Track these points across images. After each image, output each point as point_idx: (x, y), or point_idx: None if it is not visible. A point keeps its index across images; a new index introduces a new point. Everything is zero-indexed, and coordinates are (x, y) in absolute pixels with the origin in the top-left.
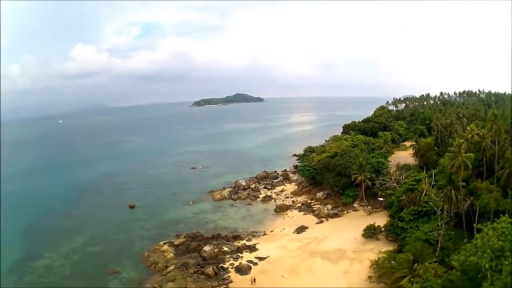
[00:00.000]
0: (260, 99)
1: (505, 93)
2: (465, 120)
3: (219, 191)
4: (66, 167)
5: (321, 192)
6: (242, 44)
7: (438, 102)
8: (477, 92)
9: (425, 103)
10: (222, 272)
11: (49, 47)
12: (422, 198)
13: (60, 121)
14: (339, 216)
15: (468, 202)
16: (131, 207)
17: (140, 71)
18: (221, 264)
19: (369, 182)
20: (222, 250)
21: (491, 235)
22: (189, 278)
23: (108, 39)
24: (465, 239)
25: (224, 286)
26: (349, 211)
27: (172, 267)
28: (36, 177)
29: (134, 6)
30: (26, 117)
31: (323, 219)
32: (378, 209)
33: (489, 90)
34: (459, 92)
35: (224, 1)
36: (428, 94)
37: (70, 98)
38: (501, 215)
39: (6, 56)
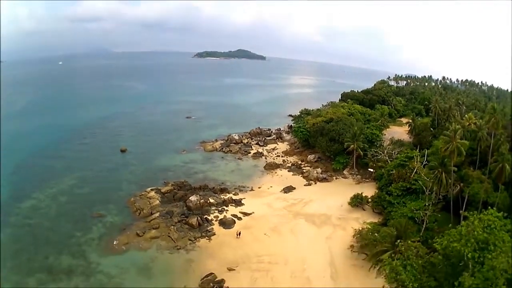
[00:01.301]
0: (262, 57)
1: (507, 90)
2: (464, 107)
3: (211, 143)
4: (62, 109)
5: (313, 155)
6: (249, 3)
7: (439, 86)
8: (479, 84)
9: (426, 84)
10: (206, 224)
11: None
12: (412, 176)
13: (60, 63)
14: (328, 181)
15: (458, 188)
16: (123, 151)
17: (147, 19)
18: (206, 216)
19: (361, 152)
20: (208, 201)
21: (477, 225)
22: (172, 226)
23: None
24: (451, 224)
25: (207, 238)
26: (338, 177)
27: (157, 214)
28: (31, 118)
29: None
30: (29, 58)
31: (312, 182)
32: (367, 180)
33: (492, 84)
34: (461, 80)
35: None
36: (430, 76)
37: (74, 41)
38: (490, 207)
39: None
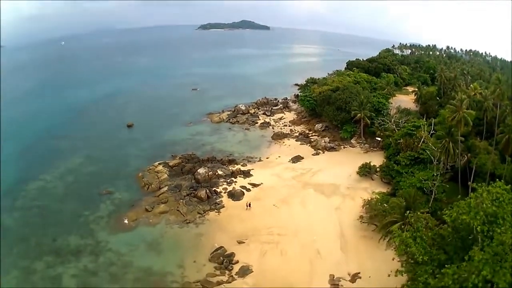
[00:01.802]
0: (266, 27)
1: (511, 61)
2: (469, 77)
3: (218, 114)
4: (66, 89)
5: (320, 124)
6: None
7: (444, 55)
8: (483, 54)
9: (430, 53)
10: (214, 196)
11: None
12: (419, 145)
13: (62, 43)
14: (336, 150)
15: (465, 158)
16: (129, 126)
17: None
18: (214, 188)
19: (368, 121)
20: (216, 173)
21: (485, 198)
22: (181, 200)
23: None
24: (459, 195)
25: (216, 210)
26: (346, 146)
27: (166, 188)
28: (35, 100)
29: None
30: (31, 42)
31: (320, 151)
32: (375, 149)
33: (495, 55)
34: (466, 50)
35: None
36: (435, 45)
37: (76, 21)
38: (497, 179)
39: None
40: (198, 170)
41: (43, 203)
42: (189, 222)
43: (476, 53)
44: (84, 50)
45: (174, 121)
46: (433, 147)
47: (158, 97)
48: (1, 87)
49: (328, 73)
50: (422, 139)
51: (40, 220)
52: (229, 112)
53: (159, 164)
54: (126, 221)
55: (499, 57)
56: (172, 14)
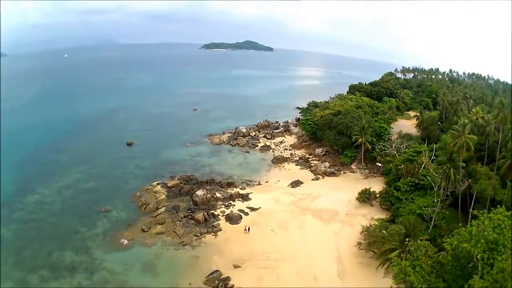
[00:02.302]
0: (269, 49)
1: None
2: (472, 101)
3: (218, 136)
4: (68, 101)
5: (320, 149)
6: None
7: (446, 79)
8: (486, 77)
9: (433, 77)
10: (212, 219)
11: None
12: (420, 171)
13: (66, 55)
14: (336, 176)
15: (466, 184)
16: (129, 144)
17: (153, 11)
18: (212, 211)
19: (369, 146)
20: (215, 196)
21: (487, 225)
22: (178, 222)
23: None
24: (459, 222)
25: (213, 233)
26: (346, 171)
27: (163, 209)
28: (36, 111)
29: None
30: (35, 51)
31: (319, 176)
32: (375, 174)
33: (498, 78)
34: (468, 73)
35: None
36: (438, 69)
37: (81, 34)
38: (498, 205)
39: None
40: (197, 192)
41: (40, 217)
42: (186, 244)
43: (478, 76)
44: (87, 63)
45: (174, 141)
46: (434, 173)
47: (159, 115)
48: (2, 96)
49: (330, 97)
50: (423, 165)
51: (36, 234)
52: (229, 134)
53: (158, 184)
54: (122, 240)
55: (501, 80)
56: (176, 31)
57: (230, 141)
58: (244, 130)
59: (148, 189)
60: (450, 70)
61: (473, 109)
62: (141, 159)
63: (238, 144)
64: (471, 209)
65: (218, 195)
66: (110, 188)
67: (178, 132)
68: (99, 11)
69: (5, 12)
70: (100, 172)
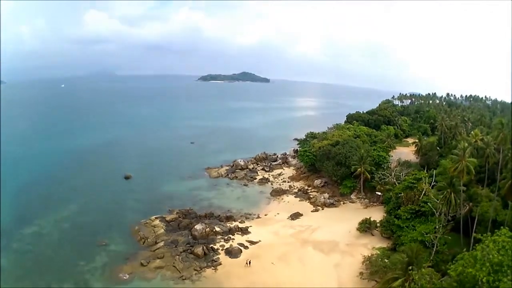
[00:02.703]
0: (266, 80)
1: (510, 103)
2: (470, 124)
3: (216, 169)
4: (65, 132)
5: (319, 180)
6: (253, 24)
7: (444, 103)
8: (483, 98)
9: (430, 102)
10: (211, 253)
11: (61, 11)
12: (421, 198)
13: (62, 85)
14: (335, 206)
15: (467, 207)
16: (127, 178)
17: (150, 41)
18: (211, 245)
19: (369, 175)
20: (214, 230)
21: (492, 248)
22: (177, 256)
23: (121, 7)
24: (461, 246)
25: (213, 267)
26: (345, 202)
27: (162, 243)
28: (33, 141)
29: None
30: (32, 79)
31: (319, 207)
32: (375, 203)
33: (495, 98)
34: (466, 96)
35: None
36: (435, 93)
37: (78, 63)
38: (501, 227)
39: (17, 16)
40: (195, 226)
41: (37, 248)
42: (185, 279)
43: (476, 98)
44: (84, 94)
45: (172, 175)
46: (435, 199)
47: (157, 148)
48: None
49: (328, 127)
50: (424, 192)
51: (35, 265)
52: (227, 167)
53: (156, 218)
54: (121, 275)
55: (499, 99)
56: (173, 62)
57: (228, 174)
58: (242, 163)
59: (146, 223)
60: (448, 94)
61: (472, 132)
62: (139, 193)
63: (236, 177)
64: (473, 233)
65: (217, 229)
66: (108, 222)
67: (176, 166)
68: (95, 40)
69: (3, 37)
70: (98, 205)
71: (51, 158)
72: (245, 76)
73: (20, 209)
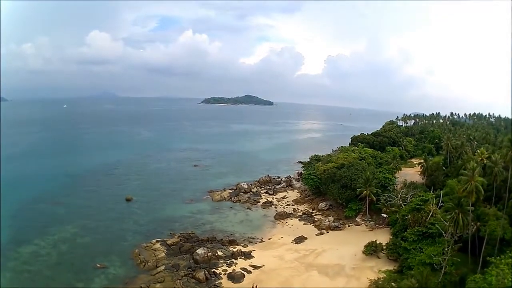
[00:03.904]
0: (270, 103)
1: None
2: (475, 142)
3: (219, 192)
4: (66, 152)
5: (324, 203)
6: (257, 47)
7: (448, 122)
8: (487, 116)
9: (434, 121)
10: (213, 278)
11: (64, 30)
12: (428, 219)
13: (65, 106)
14: (340, 229)
15: (475, 227)
16: (128, 200)
17: (153, 64)
18: (214, 269)
19: (374, 198)
20: (216, 254)
21: (506, 273)
22: (178, 280)
23: (124, 29)
24: (469, 266)
25: None
26: (350, 224)
27: (162, 267)
28: (34, 160)
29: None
30: (34, 98)
31: (324, 230)
32: (381, 226)
33: (499, 115)
34: (469, 114)
35: (242, 2)
36: (438, 113)
37: (80, 84)
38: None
39: (20, 34)
40: (197, 251)
41: (35, 268)
42: None
43: (479, 116)
44: (86, 115)
45: (174, 197)
46: (443, 220)
47: (159, 171)
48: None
49: (333, 150)
50: (431, 213)
51: (31, 285)
52: (230, 190)
53: (157, 241)
54: None
55: (502, 116)
56: (176, 85)
57: (231, 198)
58: (245, 186)
59: (147, 246)
60: (451, 113)
61: (478, 150)
62: (140, 215)
63: (240, 200)
64: (481, 252)
65: (219, 253)
66: (108, 244)
67: (178, 188)
68: (98, 61)
69: (6, 55)
70: (97, 227)
71: (51, 178)
72: (249, 99)
73: (18, 228)
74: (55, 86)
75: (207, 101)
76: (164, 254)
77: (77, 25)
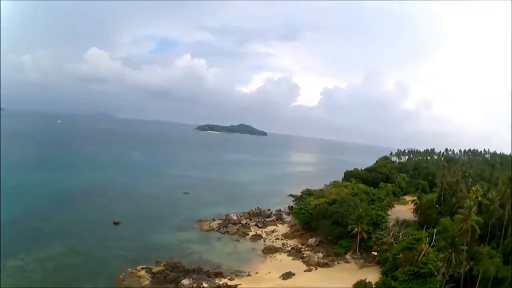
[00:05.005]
0: (263, 133)
1: (509, 154)
2: (470, 179)
3: (208, 222)
4: (56, 169)
5: (313, 239)
6: (253, 76)
7: (442, 159)
8: (482, 152)
9: (428, 158)
10: None
11: (63, 44)
12: (420, 259)
13: (59, 121)
14: (329, 266)
15: (468, 266)
16: (116, 223)
17: (150, 86)
18: None
19: (365, 235)
20: (201, 286)
21: None
22: None
23: (122, 48)
24: None
25: None
26: (340, 262)
27: None
28: (25, 174)
29: (153, 20)
30: (29, 110)
31: (312, 267)
32: (371, 264)
33: (494, 151)
34: (464, 150)
35: (241, 27)
36: (433, 149)
37: (76, 100)
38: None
39: (19, 45)
40: (182, 281)
41: (19, 283)
42: None
43: (475, 153)
44: (80, 133)
45: (162, 224)
46: (435, 259)
47: (149, 196)
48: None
49: (325, 184)
50: (423, 252)
51: None
52: (220, 221)
53: (142, 268)
54: None
55: (498, 152)
56: (172, 109)
57: (220, 228)
58: (235, 218)
59: (132, 272)
60: (446, 149)
61: (473, 188)
62: (127, 240)
63: (228, 232)
64: None
65: (205, 285)
66: (93, 267)
67: (167, 215)
68: (96, 80)
69: (5, 66)
70: (84, 248)
71: (40, 194)
72: (243, 128)
73: (4, 241)
74: (51, 100)
75: (201, 128)
76: (148, 282)
77: (76, 40)
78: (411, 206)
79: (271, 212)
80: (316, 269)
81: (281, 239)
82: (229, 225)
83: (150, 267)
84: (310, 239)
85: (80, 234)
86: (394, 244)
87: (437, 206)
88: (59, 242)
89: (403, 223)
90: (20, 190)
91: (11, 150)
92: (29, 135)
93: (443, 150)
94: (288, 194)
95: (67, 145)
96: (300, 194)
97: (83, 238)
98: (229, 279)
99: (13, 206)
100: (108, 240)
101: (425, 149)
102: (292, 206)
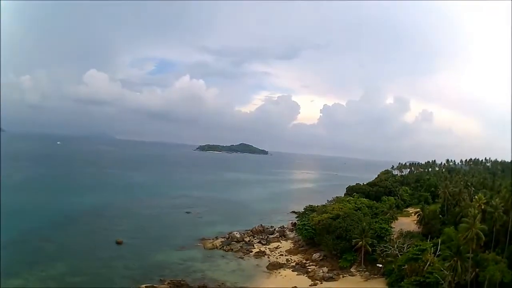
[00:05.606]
0: (264, 152)
1: (511, 161)
2: (473, 188)
3: (211, 240)
4: (57, 190)
5: (318, 253)
6: (253, 95)
7: (444, 170)
8: (483, 161)
9: (430, 169)
10: None
11: (62, 65)
12: (425, 269)
13: (58, 143)
14: (334, 280)
15: (473, 273)
16: (118, 243)
17: (150, 107)
18: None
19: (370, 248)
20: None
21: None
22: None
23: (121, 70)
24: None
25: None
26: (345, 275)
27: None
28: (26, 194)
29: (151, 41)
30: (31, 131)
31: (317, 281)
32: (376, 276)
33: (495, 159)
34: (465, 160)
35: (239, 47)
36: (434, 161)
37: (76, 122)
38: None
39: (18, 66)
40: None
41: None
42: None
43: (476, 162)
44: (80, 154)
45: (165, 243)
46: (441, 268)
47: (151, 216)
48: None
49: (328, 200)
50: (429, 262)
51: None
52: (223, 239)
53: (146, 287)
54: None
55: (499, 160)
56: (172, 131)
57: (223, 246)
58: (238, 235)
59: None
60: (447, 160)
61: (476, 196)
62: (130, 260)
63: (232, 249)
64: None
65: None
66: (97, 286)
67: (169, 235)
68: (95, 101)
69: (5, 89)
70: (86, 268)
71: (41, 214)
72: (244, 148)
73: (7, 260)
74: (51, 122)
75: (202, 148)
76: None
77: (75, 61)
78: (415, 217)
79: (274, 229)
80: (321, 283)
81: (285, 255)
82: (232, 242)
83: (154, 285)
84: (315, 254)
85: (82, 254)
86: (399, 256)
87: (441, 216)
88: (61, 262)
89: (407, 235)
90: (20, 211)
91: (12, 171)
92: (30, 156)
93: (444, 161)
94: (291, 211)
95: (67, 166)
96: (303, 210)
97: (86, 258)
98: None
99: (13, 227)
100: (111, 259)
101: (426, 161)
102: (295, 223)
